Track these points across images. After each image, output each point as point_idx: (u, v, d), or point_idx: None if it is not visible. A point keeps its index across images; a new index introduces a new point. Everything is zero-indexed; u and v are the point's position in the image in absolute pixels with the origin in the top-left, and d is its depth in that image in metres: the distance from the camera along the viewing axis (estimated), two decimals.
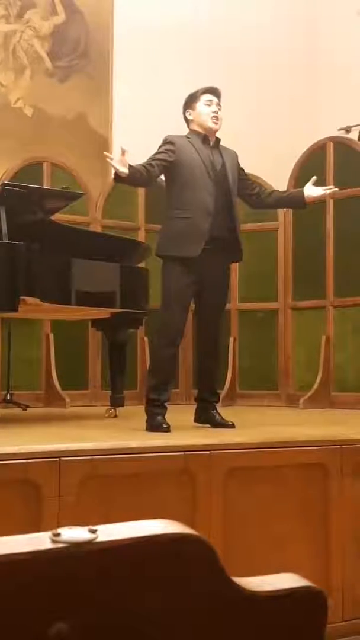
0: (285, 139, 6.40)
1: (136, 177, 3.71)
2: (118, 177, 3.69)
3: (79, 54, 6.38)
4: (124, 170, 3.62)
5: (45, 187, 5.64)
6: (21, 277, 3.84)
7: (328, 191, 4.18)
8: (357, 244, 5.80)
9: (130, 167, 3.65)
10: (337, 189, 4.26)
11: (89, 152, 6.27)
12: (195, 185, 3.88)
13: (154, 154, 3.91)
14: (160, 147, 3.94)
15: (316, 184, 4.08)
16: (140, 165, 3.77)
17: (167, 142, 3.93)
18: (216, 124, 3.98)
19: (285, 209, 6.13)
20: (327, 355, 5.91)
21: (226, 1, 6.82)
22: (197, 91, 4.03)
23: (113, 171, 3.71)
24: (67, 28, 6.33)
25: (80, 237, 4.68)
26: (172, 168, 3.90)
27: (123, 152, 3.64)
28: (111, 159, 3.68)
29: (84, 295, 4.19)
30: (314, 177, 4.11)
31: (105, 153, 3.80)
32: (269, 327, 6.27)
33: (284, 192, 4.54)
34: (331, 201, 5.91)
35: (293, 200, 4.30)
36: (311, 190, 4.08)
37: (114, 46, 6.46)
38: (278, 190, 4.42)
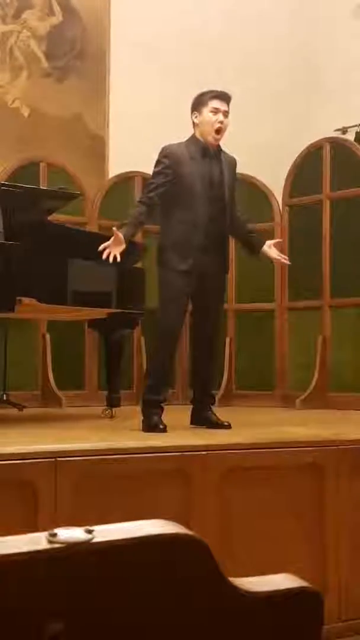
0: (281, 140, 6.40)
1: (137, 231, 3.90)
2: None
3: (76, 54, 6.37)
4: (122, 247, 3.65)
5: (41, 187, 5.63)
6: (18, 277, 3.84)
7: (281, 259, 4.20)
8: (353, 244, 5.80)
9: (127, 230, 3.71)
10: (289, 263, 4.35)
11: (86, 152, 6.27)
12: (191, 199, 3.85)
13: (151, 180, 3.91)
14: (156, 164, 3.89)
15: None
16: (140, 208, 3.80)
17: (163, 156, 3.88)
18: (217, 138, 3.90)
19: (281, 209, 6.14)
20: (324, 355, 5.92)
21: (224, 1, 6.82)
22: (206, 94, 3.93)
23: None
24: (64, 28, 6.33)
25: (76, 237, 4.68)
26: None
27: (115, 235, 3.66)
28: (108, 246, 3.66)
29: (80, 295, 4.19)
30: (279, 240, 4.31)
31: (101, 247, 3.69)
32: (266, 328, 6.27)
33: (251, 232, 4.27)
34: (327, 202, 5.91)
35: (251, 245, 4.18)
36: (269, 249, 4.10)
37: (110, 46, 6.45)
38: (249, 225, 4.28)
